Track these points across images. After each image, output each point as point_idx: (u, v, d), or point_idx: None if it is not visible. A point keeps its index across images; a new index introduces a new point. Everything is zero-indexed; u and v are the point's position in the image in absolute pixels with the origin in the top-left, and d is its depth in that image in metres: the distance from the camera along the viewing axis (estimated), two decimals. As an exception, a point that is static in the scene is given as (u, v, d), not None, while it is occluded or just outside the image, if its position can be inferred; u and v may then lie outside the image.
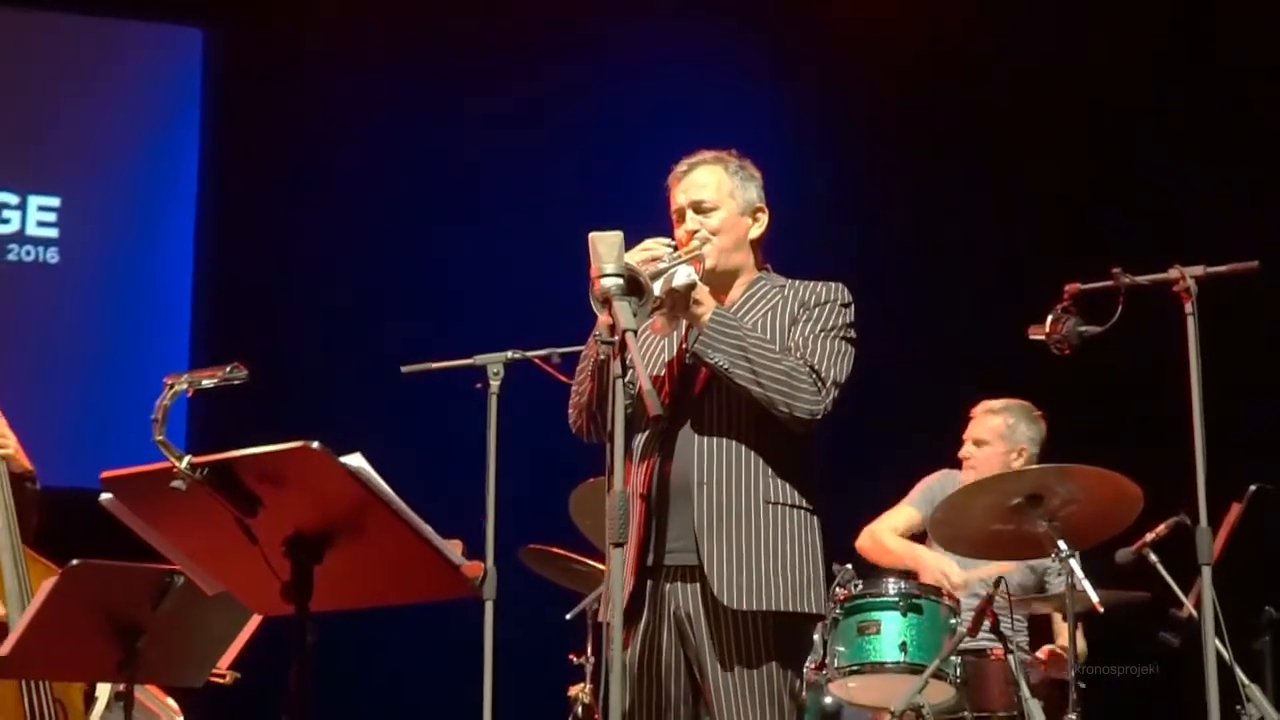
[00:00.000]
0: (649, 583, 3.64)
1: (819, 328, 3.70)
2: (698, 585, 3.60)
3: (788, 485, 3.64)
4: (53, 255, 7.43)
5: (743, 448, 3.63)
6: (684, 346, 3.71)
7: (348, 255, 7.41)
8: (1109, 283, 4.23)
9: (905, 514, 5.60)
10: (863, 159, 7.48)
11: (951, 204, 7.34)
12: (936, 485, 5.52)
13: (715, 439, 3.63)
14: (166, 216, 7.52)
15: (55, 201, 7.45)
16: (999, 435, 5.53)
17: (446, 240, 7.44)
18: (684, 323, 3.69)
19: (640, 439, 3.70)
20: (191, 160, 7.53)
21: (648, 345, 3.78)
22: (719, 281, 3.76)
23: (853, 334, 3.75)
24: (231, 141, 7.55)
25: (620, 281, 3.36)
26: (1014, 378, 5.87)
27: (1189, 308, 4.10)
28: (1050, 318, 4.30)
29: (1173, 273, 4.15)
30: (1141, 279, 4.21)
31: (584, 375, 3.73)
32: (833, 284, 3.79)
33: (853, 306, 3.77)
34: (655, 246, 3.60)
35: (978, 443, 5.56)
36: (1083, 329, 4.30)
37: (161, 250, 7.50)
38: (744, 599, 3.55)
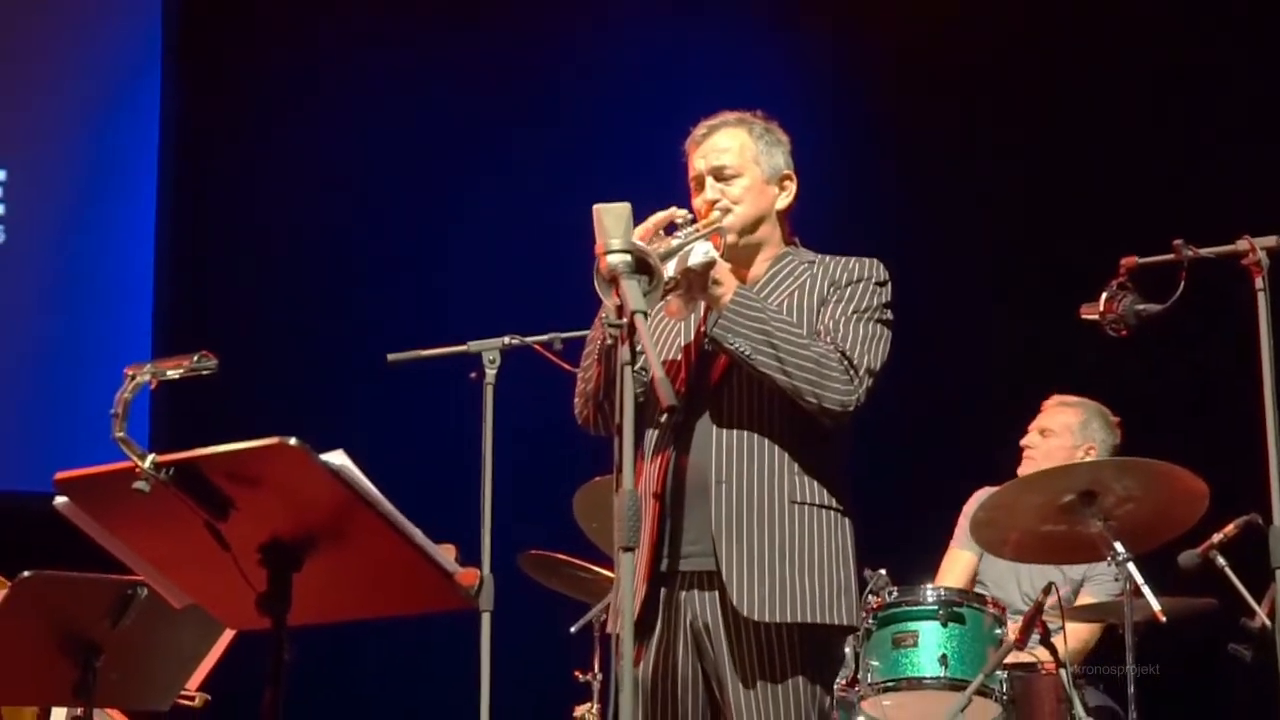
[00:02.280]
0: (662, 591, 3.65)
1: (851, 309, 3.69)
2: (716, 593, 3.61)
3: (816, 483, 3.64)
4: (-1, 233, 7.44)
5: (766, 442, 3.63)
6: (701, 330, 3.71)
7: (327, 232, 7.40)
8: (1170, 256, 4.21)
9: (960, 563, 5.58)
10: (883, 126, 7.44)
11: (992, 174, 7.31)
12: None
13: (735, 432, 3.63)
14: (125, 190, 7.50)
15: (0, 175, 7.44)
16: (1069, 429, 5.54)
17: (436, 214, 7.43)
18: (702, 304, 3.69)
19: (652, 432, 3.71)
20: (152, 127, 7.49)
21: (661, 328, 3.78)
22: (741, 257, 3.76)
23: (889, 316, 3.74)
24: (197, 107, 7.54)
25: (629, 258, 3.32)
26: (1065, 361, 5.85)
27: (1259, 283, 4.07)
28: (1105, 295, 4.27)
29: (1241, 244, 4.12)
30: (1206, 251, 4.18)
31: (590, 360, 3.73)
32: (867, 260, 3.78)
33: (890, 285, 3.76)
34: (670, 217, 3.59)
35: (1044, 432, 5.58)
36: (1140, 307, 4.27)
37: (120, 227, 7.48)
38: (767, 609, 3.56)
